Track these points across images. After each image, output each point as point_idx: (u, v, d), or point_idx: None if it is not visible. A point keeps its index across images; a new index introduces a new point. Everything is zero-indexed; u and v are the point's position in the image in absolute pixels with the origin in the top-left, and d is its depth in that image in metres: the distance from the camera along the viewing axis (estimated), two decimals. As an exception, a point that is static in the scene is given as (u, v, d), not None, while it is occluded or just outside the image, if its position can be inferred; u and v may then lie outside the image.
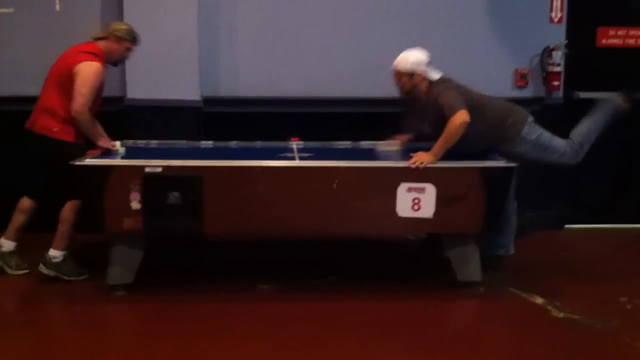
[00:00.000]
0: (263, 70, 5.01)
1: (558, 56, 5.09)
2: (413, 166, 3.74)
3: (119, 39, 4.03)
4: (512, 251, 4.28)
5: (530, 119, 4.05)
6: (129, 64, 4.57)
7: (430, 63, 3.99)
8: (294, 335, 3.41)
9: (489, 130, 3.95)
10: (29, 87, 4.68)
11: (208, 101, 4.89)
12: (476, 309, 3.91)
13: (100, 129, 4.12)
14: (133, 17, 4.69)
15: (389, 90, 5.02)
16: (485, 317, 3.83)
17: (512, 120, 4.00)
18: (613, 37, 5.26)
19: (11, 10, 4.83)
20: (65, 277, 3.99)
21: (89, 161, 3.74)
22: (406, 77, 3.96)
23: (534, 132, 4.02)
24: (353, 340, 3.35)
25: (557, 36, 5.13)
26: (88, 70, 3.87)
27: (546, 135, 4.05)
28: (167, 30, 4.70)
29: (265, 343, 3.31)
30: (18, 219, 4.11)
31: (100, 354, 3.23)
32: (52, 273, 3.98)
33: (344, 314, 3.66)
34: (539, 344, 3.39)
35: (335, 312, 3.69)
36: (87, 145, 4.03)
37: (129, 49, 4.11)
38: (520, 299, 3.89)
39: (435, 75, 3.98)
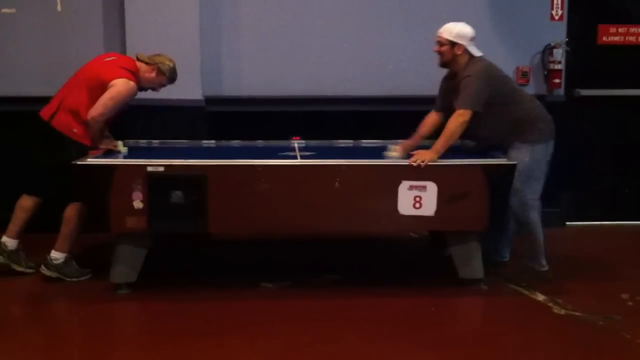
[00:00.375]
0: (265, 69, 5.02)
1: (559, 54, 5.10)
2: (414, 164, 3.74)
3: (160, 72, 4.05)
4: (507, 258, 4.32)
5: (551, 147, 3.99)
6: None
7: (474, 39, 3.95)
8: (302, 332, 3.41)
9: (515, 125, 3.92)
10: (30, 87, 4.72)
11: (210, 100, 4.90)
12: (478, 306, 3.91)
13: (106, 132, 4.13)
14: (134, 17, 4.71)
15: (391, 88, 5.07)
16: (487, 315, 3.84)
17: (541, 127, 3.95)
18: (614, 35, 5.26)
19: (13, 10, 4.84)
20: (67, 279, 4.00)
21: (92, 161, 3.75)
22: (448, 47, 3.93)
23: (543, 154, 3.96)
24: (359, 338, 3.36)
25: (558, 34, 5.13)
26: (123, 88, 3.87)
27: (542, 173, 3.97)
28: (168, 30, 4.71)
29: (274, 340, 3.32)
30: (20, 217, 4.07)
31: (108, 352, 3.24)
32: (53, 275, 3.99)
33: (348, 312, 3.67)
34: (540, 341, 3.40)
35: (339, 309, 3.70)
36: None
37: (162, 85, 4.13)
38: (522, 296, 3.89)
39: (477, 52, 3.95)
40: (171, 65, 4.10)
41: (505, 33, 5.13)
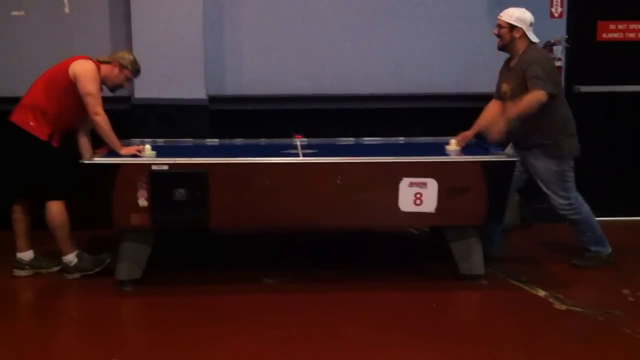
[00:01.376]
0: (267, 68, 5.05)
1: (559, 51, 5.10)
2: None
3: (122, 67, 4.06)
4: (499, 248, 4.35)
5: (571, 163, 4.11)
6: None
7: (532, 25, 4.04)
8: (302, 325, 3.47)
9: (550, 127, 3.99)
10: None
11: (213, 99, 4.95)
12: (479, 301, 3.95)
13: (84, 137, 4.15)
14: (139, 17, 4.76)
15: (393, 86, 5.10)
16: (488, 310, 3.87)
17: (571, 144, 4.08)
18: (613, 31, 5.26)
19: (22, 13, 4.91)
20: (91, 272, 4.04)
21: (96, 159, 3.80)
22: (507, 29, 4.03)
23: (568, 165, 4.08)
24: (359, 332, 3.40)
25: (558, 31, 5.13)
26: (84, 69, 3.91)
27: (571, 178, 4.09)
28: (173, 30, 4.76)
29: (273, 331, 3.38)
30: (20, 229, 4.09)
31: (114, 345, 3.29)
32: (76, 275, 4.04)
33: (348, 306, 3.71)
34: (541, 336, 3.42)
35: (339, 303, 3.74)
36: (64, 147, 4.03)
37: (128, 79, 4.14)
38: (523, 292, 3.92)
39: (534, 38, 4.05)
40: (131, 57, 4.11)
41: (506, 30, 5.14)
